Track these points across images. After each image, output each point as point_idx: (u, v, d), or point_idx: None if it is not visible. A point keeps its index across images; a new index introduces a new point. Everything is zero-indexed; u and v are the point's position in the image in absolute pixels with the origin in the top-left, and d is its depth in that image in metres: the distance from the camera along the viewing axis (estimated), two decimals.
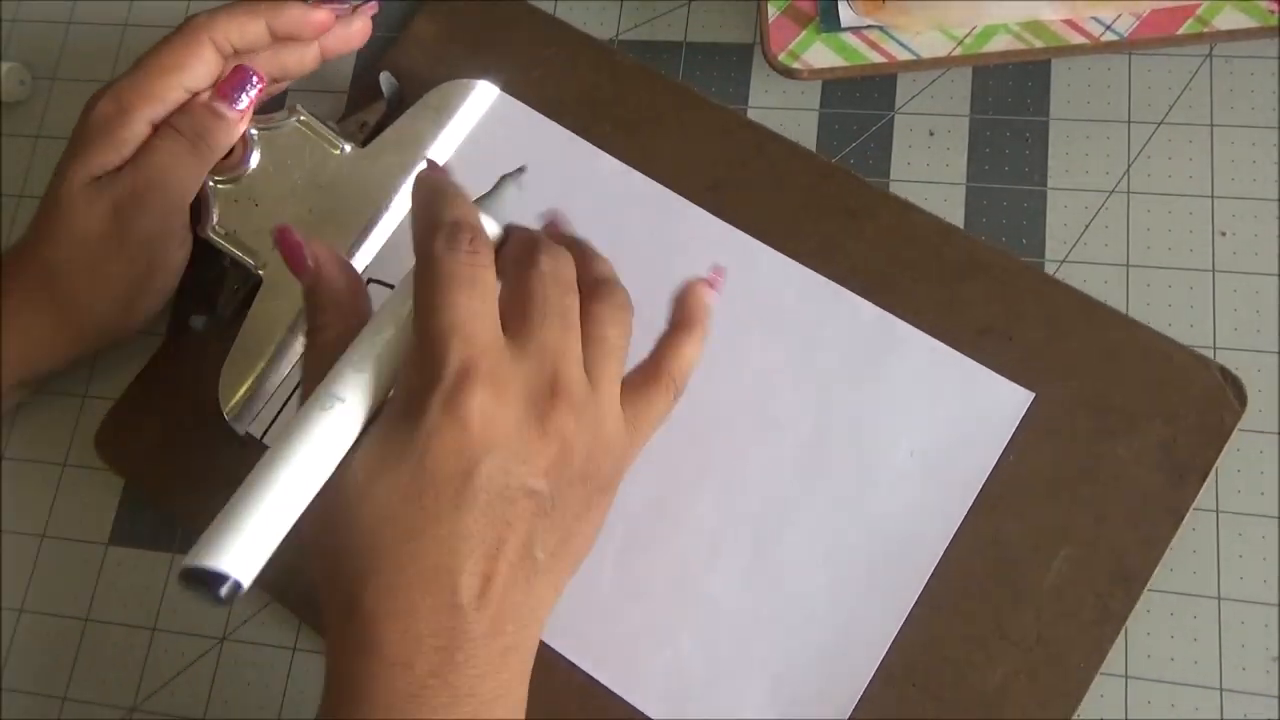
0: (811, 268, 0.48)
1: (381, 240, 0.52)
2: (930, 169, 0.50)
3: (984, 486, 0.44)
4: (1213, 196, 0.47)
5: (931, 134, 0.51)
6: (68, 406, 0.55)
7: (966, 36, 0.48)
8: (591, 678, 0.45)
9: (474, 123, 0.53)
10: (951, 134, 0.50)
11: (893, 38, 0.49)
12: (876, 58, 0.49)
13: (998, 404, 0.45)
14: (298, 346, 0.51)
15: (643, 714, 0.44)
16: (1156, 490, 0.43)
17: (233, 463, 0.50)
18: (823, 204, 0.49)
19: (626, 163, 0.51)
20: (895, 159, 0.50)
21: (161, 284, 0.51)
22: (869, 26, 0.49)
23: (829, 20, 0.50)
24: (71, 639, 0.51)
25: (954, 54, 0.48)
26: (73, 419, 0.55)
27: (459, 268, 0.37)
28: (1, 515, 0.54)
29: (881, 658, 0.43)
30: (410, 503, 0.35)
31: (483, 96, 0.53)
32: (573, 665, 0.45)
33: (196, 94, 0.50)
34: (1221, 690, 0.42)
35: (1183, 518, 0.43)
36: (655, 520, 0.46)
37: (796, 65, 0.50)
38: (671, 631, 0.45)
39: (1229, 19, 0.46)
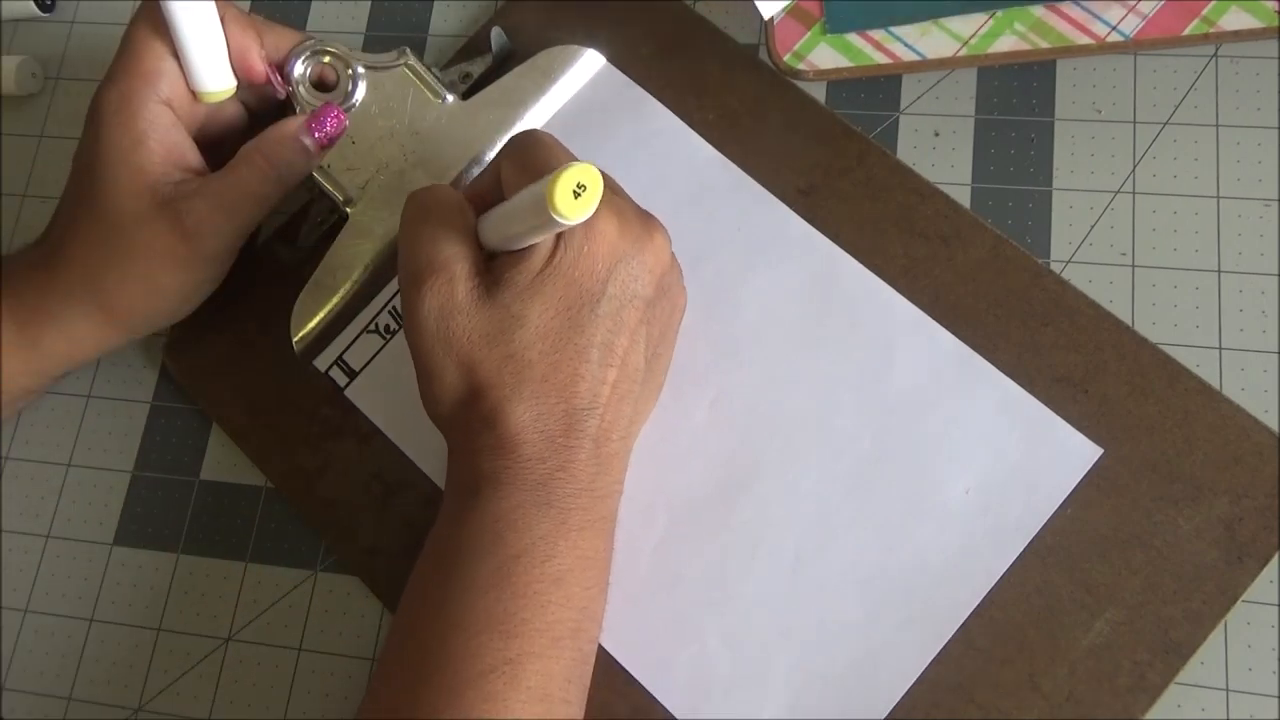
0: (896, 288, 0.47)
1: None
2: (935, 169, 0.50)
3: (1037, 535, 0.43)
4: (1218, 197, 0.47)
5: (937, 134, 0.50)
6: (71, 406, 0.55)
7: (971, 37, 0.48)
8: (616, 660, 0.45)
9: (576, 90, 0.53)
10: (957, 134, 0.50)
11: (898, 39, 0.49)
12: (881, 58, 0.49)
13: (1064, 455, 0.44)
14: (374, 289, 0.51)
15: (662, 706, 0.44)
16: (1212, 567, 0.42)
17: (290, 391, 0.52)
18: (916, 225, 0.48)
19: (724, 153, 0.51)
20: (900, 160, 0.50)
21: (213, 288, 0.51)
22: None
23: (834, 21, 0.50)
24: (76, 639, 0.51)
25: (959, 54, 0.48)
26: (76, 419, 0.55)
27: None
28: (5, 516, 0.54)
29: (905, 691, 0.43)
30: (560, 315, 0.41)
31: (588, 65, 0.53)
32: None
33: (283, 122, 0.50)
34: (1227, 691, 0.42)
35: (1236, 599, 0.42)
36: (699, 515, 0.46)
37: (801, 66, 0.50)
38: (700, 629, 0.45)
39: (1235, 19, 0.46)
